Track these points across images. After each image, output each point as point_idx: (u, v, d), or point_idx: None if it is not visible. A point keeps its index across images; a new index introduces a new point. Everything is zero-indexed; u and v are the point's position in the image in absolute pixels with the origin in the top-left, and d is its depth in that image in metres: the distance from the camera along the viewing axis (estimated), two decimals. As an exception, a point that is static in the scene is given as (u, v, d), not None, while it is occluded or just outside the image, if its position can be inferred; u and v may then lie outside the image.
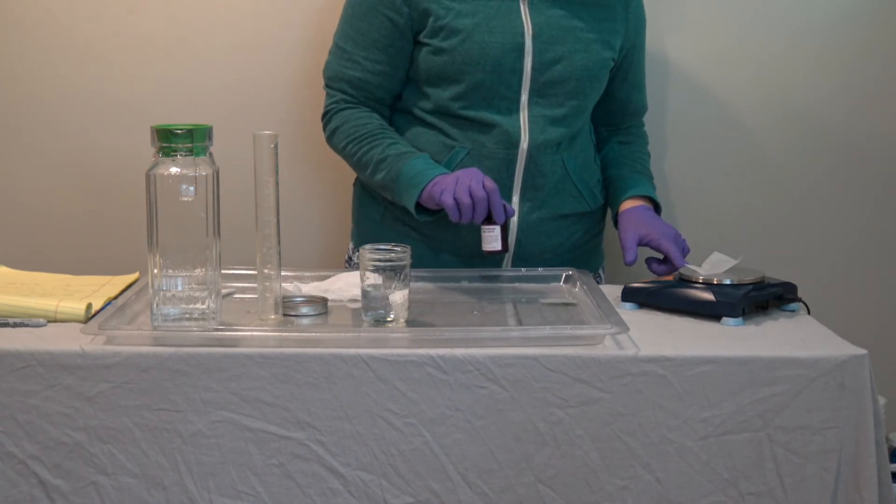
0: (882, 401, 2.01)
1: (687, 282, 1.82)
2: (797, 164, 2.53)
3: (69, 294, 1.78)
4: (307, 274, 1.96)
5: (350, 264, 2.25)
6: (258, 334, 1.63)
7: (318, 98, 2.16)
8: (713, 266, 1.85)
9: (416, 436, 1.56)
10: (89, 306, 1.72)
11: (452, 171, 1.99)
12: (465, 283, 1.99)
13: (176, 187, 1.59)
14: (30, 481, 1.56)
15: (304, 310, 1.77)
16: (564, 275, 2.01)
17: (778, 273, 1.89)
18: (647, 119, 2.32)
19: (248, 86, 2.46)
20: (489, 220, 1.88)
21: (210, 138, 1.61)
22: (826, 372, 1.57)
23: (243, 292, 1.87)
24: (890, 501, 1.61)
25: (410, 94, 2.10)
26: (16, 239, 2.51)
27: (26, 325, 1.66)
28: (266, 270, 1.70)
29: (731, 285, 1.78)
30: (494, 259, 2.08)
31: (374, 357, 1.55)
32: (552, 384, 1.56)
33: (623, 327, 1.62)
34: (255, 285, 1.73)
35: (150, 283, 1.61)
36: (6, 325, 1.66)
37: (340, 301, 1.84)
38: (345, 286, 1.87)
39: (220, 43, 2.45)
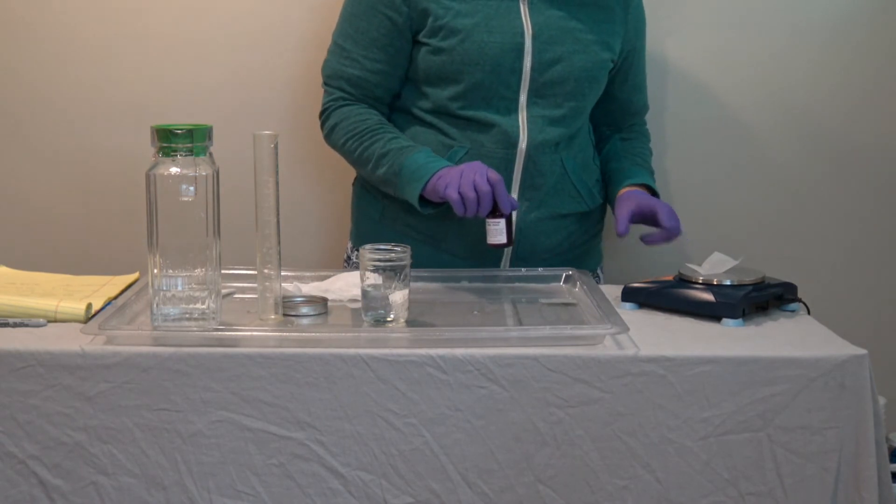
0: (882, 401, 2.01)
1: (687, 282, 1.82)
2: (797, 164, 2.53)
3: (69, 294, 1.78)
4: (307, 274, 1.96)
5: (349, 263, 2.25)
6: (258, 334, 1.63)
7: (318, 98, 2.16)
8: (713, 266, 1.85)
9: (416, 436, 1.56)
10: (89, 306, 1.72)
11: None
12: (465, 283, 1.99)
13: (176, 187, 1.59)
14: (30, 481, 1.56)
15: (304, 310, 1.77)
16: (564, 275, 2.01)
17: (778, 273, 1.89)
18: (647, 119, 2.33)
19: (249, 85, 2.46)
20: (494, 212, 1.88)
21: (210, 138, 1.61)
22: (826, 372, 1.57)
23: (243, 292, 1.87)
24: (890, 501, 1.61)
25: (409, 93, 2.10)
26: (16, 239, 2.51)
27: (26, 325, 1.66)
28: (266, 270, 1.70)
29: (731, 286, 1.78)
30: (493, 258, 2.08)
31: (374, 357, 1.55)
32: (552, 384, 1.56)
33: (623, 327, 1.62)
34: (255, 285, 1.73)
35: (150, 283, 1.61)
36: (6, 325, 1.66)
37: (340, 301, 1.84)
38: (345, 286, 1.87)
39: (220, 43, 2.45)
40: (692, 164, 2.52)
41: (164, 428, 1.56)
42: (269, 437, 1.56)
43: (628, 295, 1.85)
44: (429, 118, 2.07)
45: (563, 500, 1.57)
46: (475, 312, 1.84)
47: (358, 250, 2.20)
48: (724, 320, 1.73)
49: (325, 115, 2.11)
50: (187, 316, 1.62)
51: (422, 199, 1.96)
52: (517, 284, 1.99)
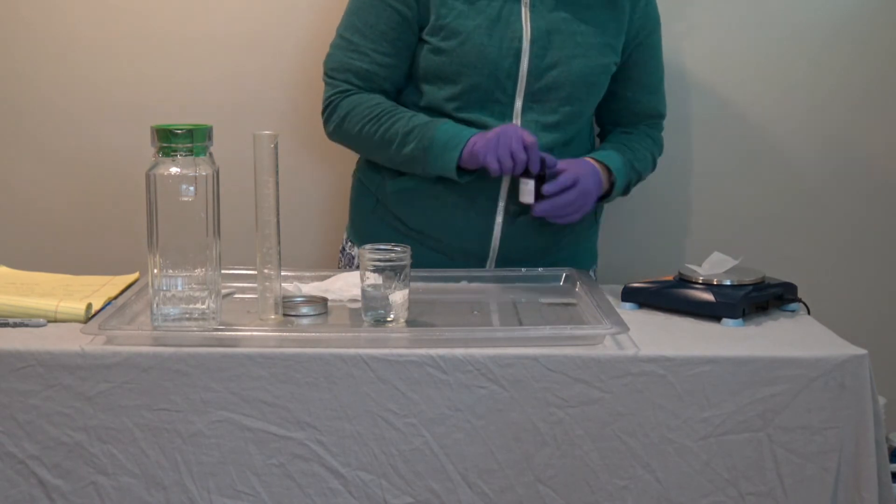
0: (882, 401, 2.00)
1: (687, 282, 1.82)
2: (797, 163, 2.53)
3: (69, 294, 1.78)
4: (307, 274, 1.96)
5: (343, 255, 2.24)
6: (258, 334, 1.63)
7: (319, 98, 2.15)
8: (713, 266, 1.85)
9: (416, 436, 1.56)
10: (89, 306, 1.72)
11: None
12: (464, 283, 1.99)
13: (176, 187, 1.59)
14: (30, 481, 1.56)
15: (304, 310, 1.77)
16: (564, 275, 2.01)
17: (778, 273, 1.89)
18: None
19: (249, 85, 2.46)
20: (526, 172, 1.93)
21: (210, 138, 1.61)
22: (826, 372, 1.57)
23: (243, 292, 1.87)
24: (890, 501, 1.61)
25: (407, 91, 2.09)
26: (16, 239, 2.51)
27: (26, 325, 1.66)
28: (266, 270, 1.70)
29: (731, 286, 1.78)
30: (478, 257, 2.07)
31: (374, 357, 1.55)
32: (552, 384, 1.56)
33: (623, 327, 1.62)
34: (255, 285, 1.73)
35: (150, 283, 1.61)
36: (6, 325, 1.66)
37: (340, 301, 1.84)
38: (345, 286, 1.87)
39: (220, 43, 2.45)
40: (692, 163, 2.52)
41: (164, 428, 1.56)
42: (269, 437, 1.56)
43: (628, 295, 1.85)
44: None
45: (563, 500, 1.57)
46: (475, 312, 1.84)
47: (351, 241, 2.22)
48: (724, 320, 1.73)
49: (331, 107, 2.08)
50: (187, 316, 1.62)
51: (459, 168, 1.96)
52: (517, 284, 1.99)
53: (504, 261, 2.09)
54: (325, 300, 1.81)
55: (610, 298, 1.84)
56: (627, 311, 1.80)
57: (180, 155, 1.58)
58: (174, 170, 1.59)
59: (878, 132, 2.51)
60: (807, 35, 2.47)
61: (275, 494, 1.57)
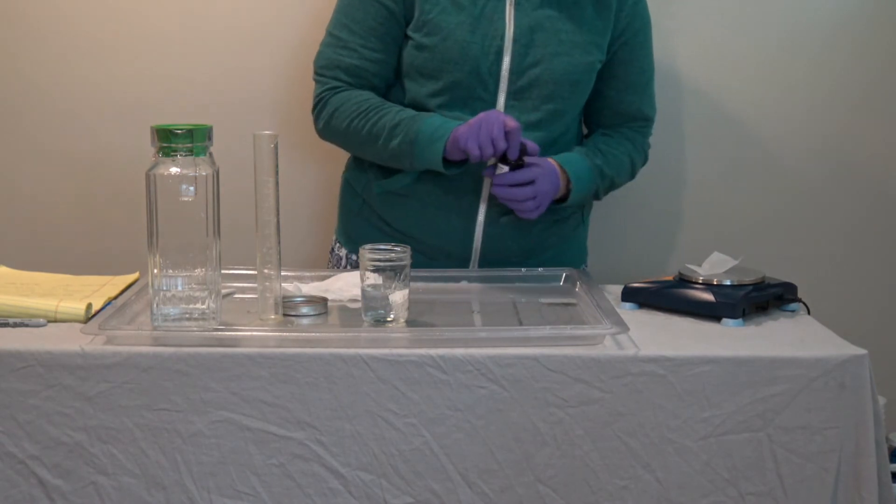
0: (882, 401, 2.00)
1: (687, 282, 1.82)
2: (797, 163, 2.53)
3: (69, 294, 1.78)
4: (307, 274, 1.96)
5: (332, 255, 2.24)
6: (258, 334, 1.63)
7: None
8: (713, 266, 1.85)
9: (416, 436, 1.56)
10: (89, 306, 1.72)
11: None
12: (464, 283, 1.99)
13: (176, 187, 1.59)
14: (30, 481, 1.56)
15: (304, 310, 1.77)
16: (564, 275, 2.01)
17: (778, 273, 1.89)
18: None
19: (248, 85, 2.46)
20: (504, 158, 1.93)
21: (210, 138, 1.61)
22: (826, 372, 1.57)
23: (243, 292, 1.87)
24: (890, 501, 1.61)
25: (395, 88, 2.09)
26: (16, 239, 2.51)
27: (26, 325, 1.66)
28: (266, 270, 1.70)
29: (731, 286, 1.78)
30: (461, 259, 2.07)
31: (374, 357, 1.55)
32: (552, 384, 1.56)
33: (623, 327, 1.62)
34: (255, 285, 1.73)
35: (150, 283, 1.61)
36: (6, 325, 1.66)
37: (340, 301, 1.84)
38: (345, 286, 1.87)
39: (220, 42, 2.45)
40: (691, 163, 2.52)
41: (164, 428, 1.56)
42: (269, 437, 1.56)
43: (628, 295, 1.85)
44: None
45: (563, 500, 1.57)
46: (475, 312, 1.84)
47: (339, 242, 2.22)
48: (724, 320, 1.73)
49: (321, 104, 2.08)
50: (187, 316, 1.62)
51: (444, 160, 1.96)
52: (517, 284, 1.99)
53: (487, 263, 2.08)
54: (325, 300, 1.81)
55: (610, 298, 1.84)
56: (627, 311, 1.80)
57: (180, 155, 1.58)
58: (174, 170, 1.59)
59: (877, 132, 2.52)
60: (806, 35, 2.47)
61: (275, 494, 1.57)
